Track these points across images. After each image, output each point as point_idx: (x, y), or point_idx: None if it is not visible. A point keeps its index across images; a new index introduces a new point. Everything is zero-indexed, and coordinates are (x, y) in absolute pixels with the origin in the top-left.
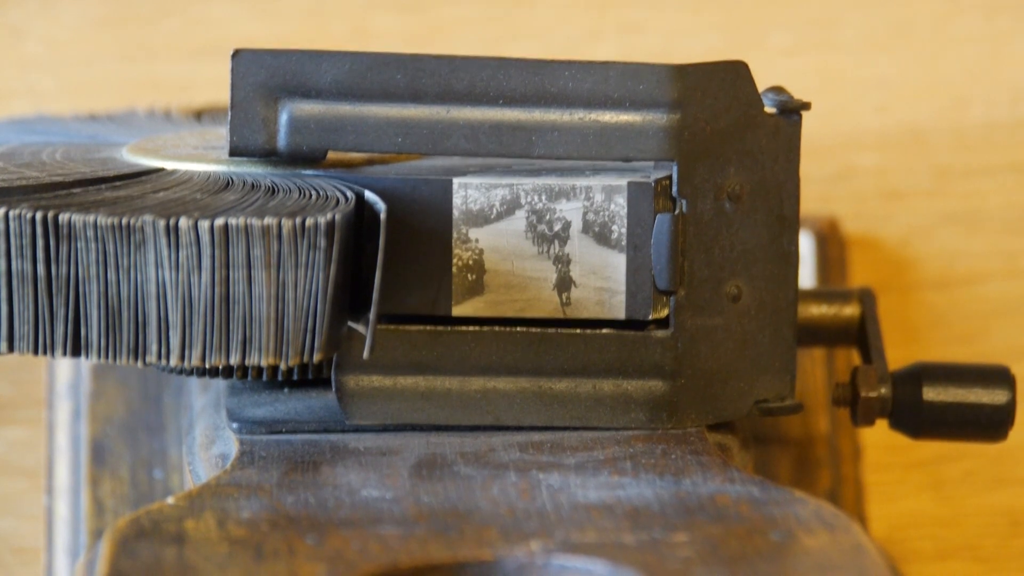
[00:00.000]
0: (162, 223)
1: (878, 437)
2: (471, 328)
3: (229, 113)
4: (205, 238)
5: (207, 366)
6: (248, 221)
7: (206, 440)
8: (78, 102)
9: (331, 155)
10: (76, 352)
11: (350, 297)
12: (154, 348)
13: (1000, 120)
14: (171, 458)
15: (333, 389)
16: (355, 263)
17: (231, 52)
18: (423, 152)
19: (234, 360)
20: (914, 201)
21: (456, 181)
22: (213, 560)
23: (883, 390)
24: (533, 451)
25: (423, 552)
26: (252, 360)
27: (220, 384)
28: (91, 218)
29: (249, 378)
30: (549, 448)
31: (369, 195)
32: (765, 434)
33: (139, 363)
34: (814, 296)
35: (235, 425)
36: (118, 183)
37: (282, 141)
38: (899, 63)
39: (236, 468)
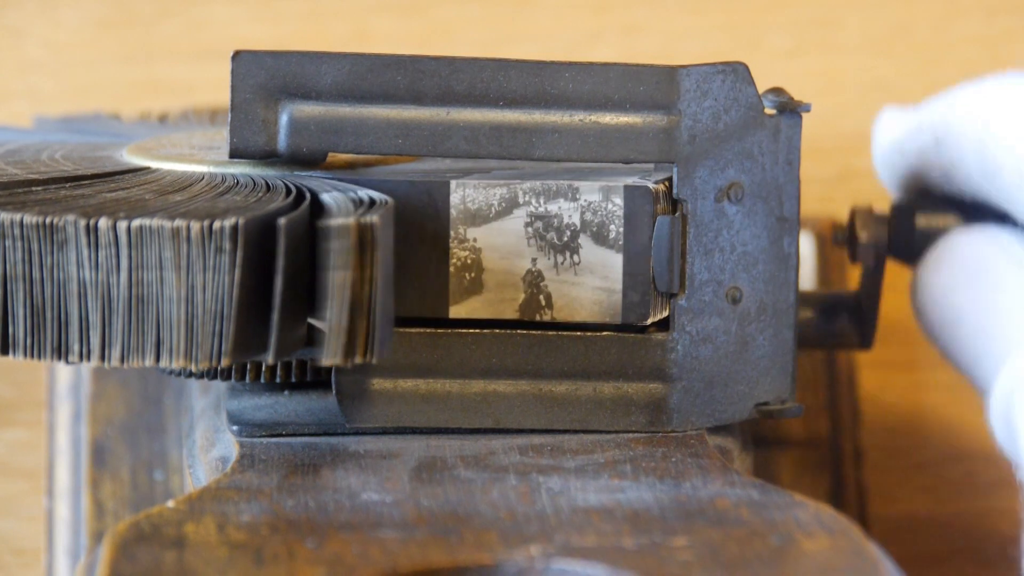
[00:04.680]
0: (83, 223)
1: (879, 439)
2: (471, 331)
3: (229, 115)
4: (123, 239)
5: (126, 366)
6: (160, 223)
7: (206, 443)
8: (78, 104)
9: (331, 157)
10: (4, 351)
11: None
12: (76, 347)
13: None
14: (172, 460)
15: (333, 392)
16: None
17: (231, 54)
18: (423, 154)
19: (148, 362)
20: None
21: (454, 181)
22: (213, 564)
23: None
24: (533, 454)
25: (423, 556)
26: (164, 362)
27: (220, 386)
28: (18, 217)
29: (247, 380)
30: (549, 451)
31: (325, 198)
32: (766, 436)
33: (63, 361)
34: (815, 298)
35: (235, 428)
36: (85, 182)
37: (282, 143)
38: (899, 64)
39: (236, 471)
